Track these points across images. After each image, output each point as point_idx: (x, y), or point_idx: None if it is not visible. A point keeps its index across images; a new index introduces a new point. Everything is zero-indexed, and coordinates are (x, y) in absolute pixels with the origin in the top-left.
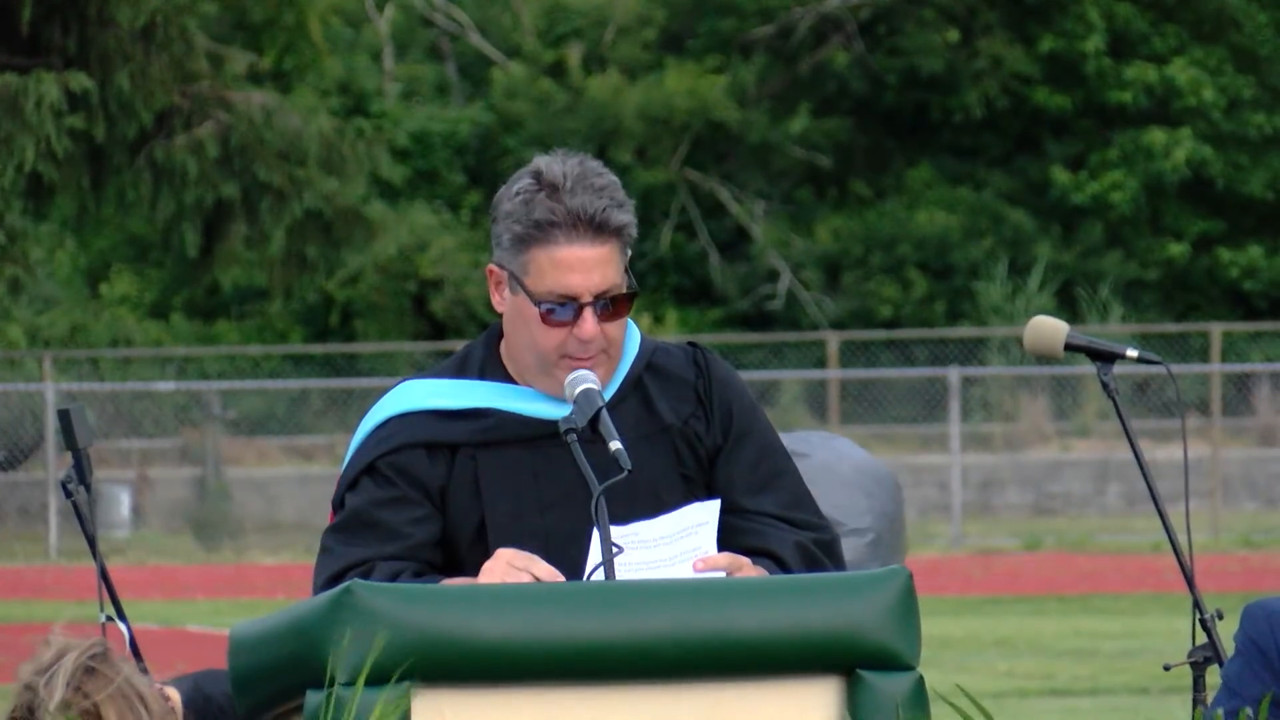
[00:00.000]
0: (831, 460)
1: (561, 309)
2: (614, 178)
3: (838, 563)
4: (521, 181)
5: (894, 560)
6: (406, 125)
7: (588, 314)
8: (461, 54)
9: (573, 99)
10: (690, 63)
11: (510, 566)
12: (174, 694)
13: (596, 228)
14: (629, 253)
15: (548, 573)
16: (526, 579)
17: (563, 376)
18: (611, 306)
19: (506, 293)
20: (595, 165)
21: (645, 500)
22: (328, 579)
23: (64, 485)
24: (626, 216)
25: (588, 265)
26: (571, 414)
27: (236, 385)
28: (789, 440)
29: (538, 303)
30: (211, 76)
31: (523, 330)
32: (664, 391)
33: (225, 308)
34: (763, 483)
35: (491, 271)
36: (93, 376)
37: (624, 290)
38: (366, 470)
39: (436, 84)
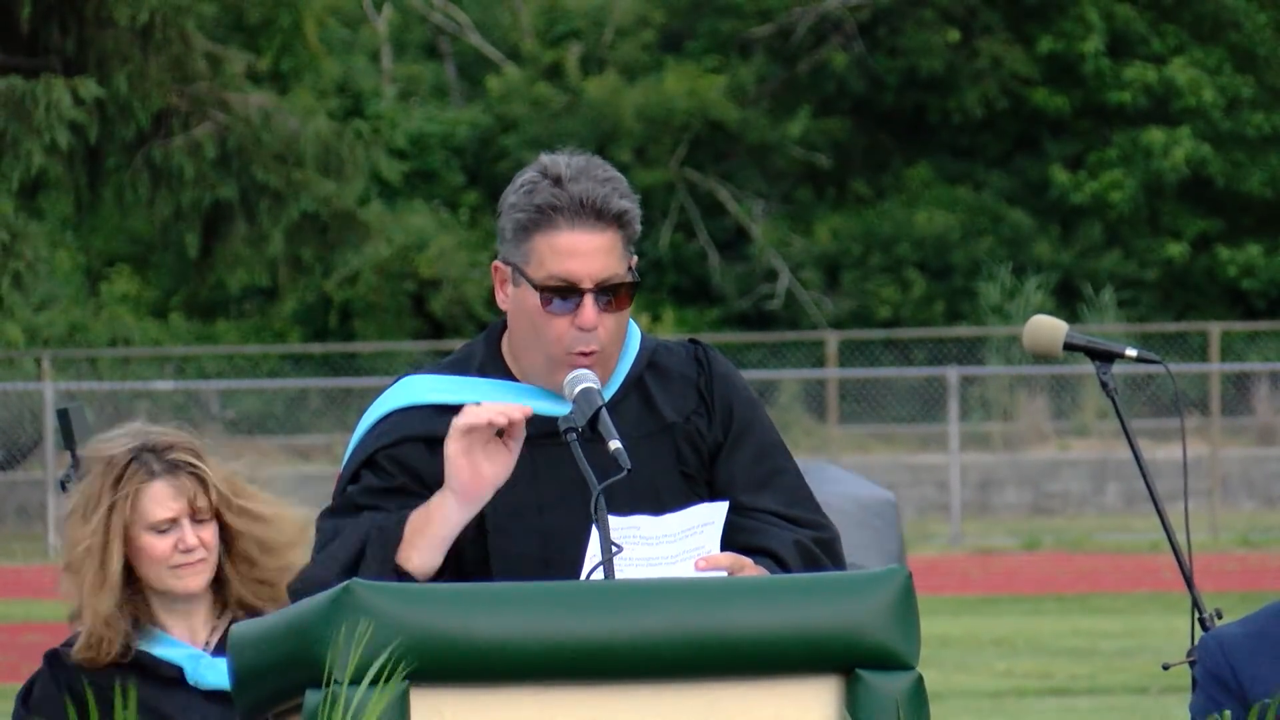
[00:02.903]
0: (832, 500)
1: (562, 299)
2: (619, 174)
3: (837, 561)
4: (526, 175)
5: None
6: (404, 127)
7: (588, 301)
8: (460, 54)
9: (571, 100)
10: (689, 63)
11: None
12: None
13: (598, 213)
14: (633, 251)
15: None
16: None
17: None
18: (612, 297)
19: (510, 288)
20: (600, 161)
21: (645, 499)
22: (315, 552)
23: (63, 485)
24: (629, 205)
25: (589, 251)
26: (571, 413)
27: (235, 385)
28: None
29: (538, 290)
30: (209, 77)
31: (526, 325)
32: (665, 390)
33: (224, 307)
34: (762, 480)
35: (496, 268)
36: (91, 376)
37: (626, 280)
38: (366, 463)
39: (435, 84)
